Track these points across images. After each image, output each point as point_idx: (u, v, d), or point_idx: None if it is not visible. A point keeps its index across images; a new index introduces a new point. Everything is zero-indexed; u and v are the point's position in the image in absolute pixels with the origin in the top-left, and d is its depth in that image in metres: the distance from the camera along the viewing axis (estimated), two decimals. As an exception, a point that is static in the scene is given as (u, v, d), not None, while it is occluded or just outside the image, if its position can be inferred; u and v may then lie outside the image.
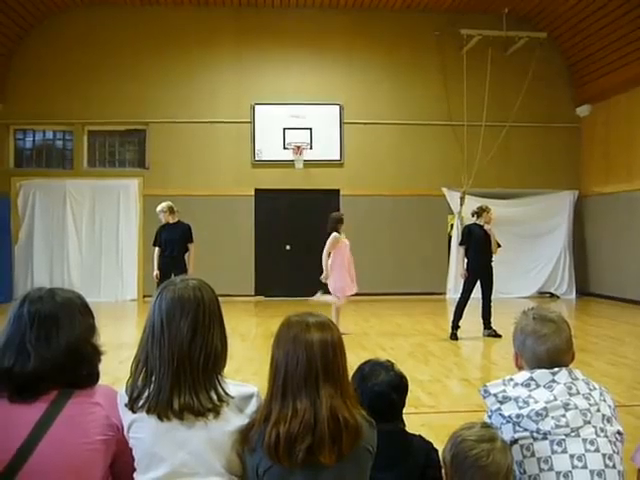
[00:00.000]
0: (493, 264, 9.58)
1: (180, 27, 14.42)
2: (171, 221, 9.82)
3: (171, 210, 9.83)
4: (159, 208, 9.88)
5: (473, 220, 9.79)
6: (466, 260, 9.53)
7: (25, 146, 14.75)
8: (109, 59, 14.21)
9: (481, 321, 9.49)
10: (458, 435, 2.16)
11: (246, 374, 6.09)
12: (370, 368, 2.50)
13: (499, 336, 9.13)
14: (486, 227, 9.60)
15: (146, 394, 2.06)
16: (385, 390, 2.41)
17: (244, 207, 14.38)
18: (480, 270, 9.42)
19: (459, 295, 9.61)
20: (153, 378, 2.07)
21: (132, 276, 14.27)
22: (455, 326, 9.33)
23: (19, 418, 1.91)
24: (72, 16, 14.24)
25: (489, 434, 2.15)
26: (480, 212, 9.73)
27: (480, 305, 9.49)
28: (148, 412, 2.03)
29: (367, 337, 9.36)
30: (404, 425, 2.50)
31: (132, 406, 2.05)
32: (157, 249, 9.79)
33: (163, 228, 9.83)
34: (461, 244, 9.80)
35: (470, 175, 14.19)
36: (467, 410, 5.19)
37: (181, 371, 2.05)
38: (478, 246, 9.44)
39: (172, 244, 9.63)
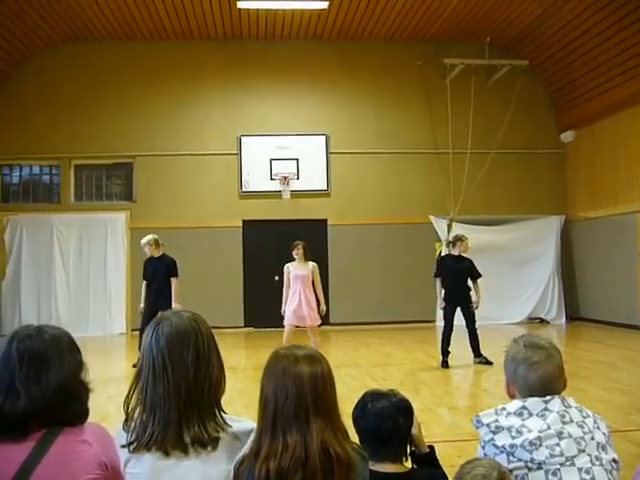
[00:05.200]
0: (472, 293, 9.59)
1: (165, 60, 14.51)
2: (156, 255, 9.79)
3: (157, 243, 9.81)
4: (144, 240, 9.86)
5: (448, 250, 9.89)
6: (443, 290, 9.57)
7: (12, 181, 14.72)
8: (95, 93, 14.27)
9: (471, 350, 9.46)
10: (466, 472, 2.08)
11: (237, 407, 6.01)
12: (372, 395, 2.45)
13: (490, 363, 9.10)
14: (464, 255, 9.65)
15: (149, 432, 2.05)
16: (391, 412, 2.35)
17: (232, 238, 14.37)
18: (456, 299, 9.45)
19: (445, 325, 9.61)
20: (156, 415, 2.06)
21: (120, 310, 14.18)
22: (445, 353, 9.30)
23: (6, 457, 1.88)
24: (57, 51, 14.31)
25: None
26: (455, 242, 9.81)
27: (467, 335, 9.47)
28: (152, 450, 2.02)
29: (357, 367, 9.31)
30: (409, 452, 2.45)
31: (134, 446, 2.04)
32: (145, 282, 9.76)
33: (148, 261, 9.80)
34: (435, 276, 9.82)
35: (457, 202, 14.27)
36: (459, 439, 5.15)
37: (188, 403, 2.06)
38: (452, 276, 9.48)
39: (157, 278, 9.60)
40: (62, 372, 1.99)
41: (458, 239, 9.79)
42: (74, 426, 1.98)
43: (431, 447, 2.53)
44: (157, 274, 9.63)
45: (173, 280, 9.69)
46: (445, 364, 9.22)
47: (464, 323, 9.52)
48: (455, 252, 9.73)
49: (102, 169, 14.69)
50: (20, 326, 2.09)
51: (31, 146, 14.12)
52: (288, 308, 9.41)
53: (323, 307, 9.64)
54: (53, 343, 2.03)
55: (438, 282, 9.70)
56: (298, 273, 9.47)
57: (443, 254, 10.08)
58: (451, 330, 9.35)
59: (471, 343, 9.46)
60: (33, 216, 14.15)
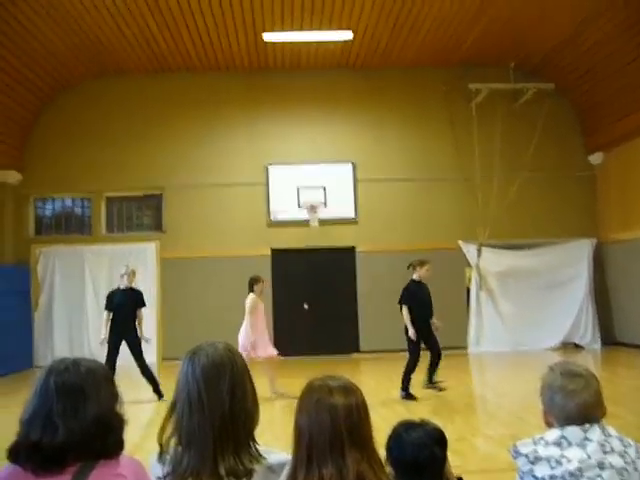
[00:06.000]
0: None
1: (192, 92, 14.72)
2: (129, 285, 9.95)
3: (134, 274, 10.05)
4: (128, 270, 10.06)
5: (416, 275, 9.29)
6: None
7: (45, 214, 14.97)
8: (124, 126, 14.51)
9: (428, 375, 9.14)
10: None
11: (268, 438, 5.97)
12: (406, 425, 2.42)
13: (413, 399, 8.81)
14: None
15: (185, 463, 2.04)
16: (427, 442, 2.31)
17: (261, 267, 14.35)
18: (421, 326, 9.00)
19: (411, 358, 9.09)
20: (192, 447, 2.06)
21: (151, 339, 14.20)
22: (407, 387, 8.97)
23: (42, 492, 1.88)
24: (87, 87, 14.60)
25: None
26: (414, 266, 9.30)
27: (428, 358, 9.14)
28: None
29: (389, 396, 9.19)
30: None
31: (170, 478, 2.04)
32: (108, 313, 9.79)
33: (114, 293, 9.93)
34: (399, 303, 9.15)
35: (486, 227, 14.17)
36: (496, 469, 5.06)
37: (224, 435, 2.05)
38: (414, 302, 9.01)
39: (124, 308, 9.70)
40: (99, 405, 1.99)
41: (419, 263, 9.27)
42: (110, 459, 1.98)
43: (460, 479, 2.49)
44: (125, 305, 9.71)
45: (142, 310, 9.90)
46: (410, 396, 8.89)
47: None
48: (415, 277, 9.24)
49: (132, 201, 14.88)
50: (56, 359, 2.10)
51: (63, 179, 14.37)
52: (263, 341, 9.56)
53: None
54: (89, 376, 2.03)
55: (404, 310, 9.02)
56: (261, 307, 9.70)
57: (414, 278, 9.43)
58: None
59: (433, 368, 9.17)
60: (65, 248, 14.35)
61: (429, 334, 9.08)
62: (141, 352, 9.68)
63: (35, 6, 11.20)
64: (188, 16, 12.07)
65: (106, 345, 9.60)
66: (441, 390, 9.08)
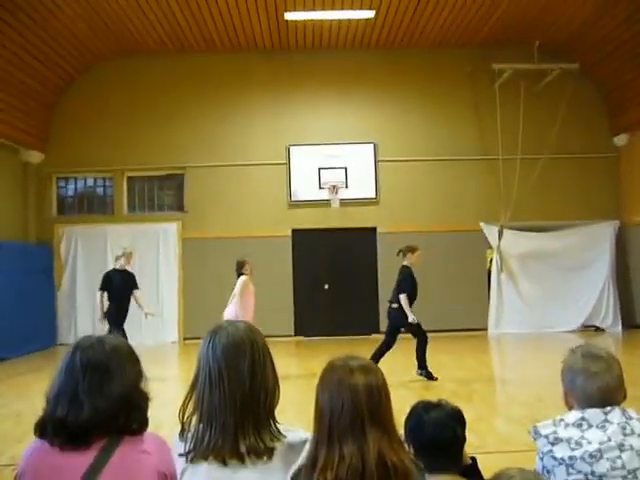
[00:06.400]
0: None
1: (214, 72, 14.71)
2: (126, 266, 10.09)
3: (131, 255, 10.24)
4: (127, 251, 10.25)
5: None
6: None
7: (67, 193, 15.09)
8: (146, 106, 14.55)
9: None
10: None
11: (289, 416, 6.02)
12: (425, 405, 2.43)
13: (433, 379, 8.77)
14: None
15: (206, 441, 2.07)
16: (448, 422, 2.32)
17: (282, 248, 14.44)
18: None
19: (421, 338, 9.04)
20: (213, 425, 2.09)
21: (173, 318, 14.35)
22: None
23: (69, 467, 1.92)
24: (109, 67, 14.64)
25: None
26: (405, 252, 9.20)
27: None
28: (209, 459, 2.04)
29: (409, 376, 9.21)
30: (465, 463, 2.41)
31: (192, 456, 2.07)
32: (102, 293, 9.93)
33: (111, 274, 10.08)
34: (398, 290, 9.05)
35: (508, 209, 14.08)
36: (515, 450, 5.07)
37: (244, 413, 2.08)
38: (412, 289, 8.94)
39: (122, 290, 9.89)
40: (124, 382, 2.02)
41: (409, 250, 9.16)
42: (134, 435, 2.02)
43: (473, 459, 2.49)
44: (121, 287, 9.87)
45: (138, 292, 10.09)
46: (430, 375, 8.84)
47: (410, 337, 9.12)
48: (405, 262, 9.15)
49: (154, 180, 14.95)
50: (82, 337, 2.13)
51: (85, 159, 14.45)
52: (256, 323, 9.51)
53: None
54: (114, 353, 2.06)
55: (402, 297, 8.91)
56: (251, 288, 9.72)
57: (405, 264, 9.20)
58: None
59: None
60: (87, 227, 14.48)
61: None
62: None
63: (58, -14, 11.24)
64: (210, -5, 12.04)
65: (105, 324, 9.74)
66: (432, 379, 8.87)
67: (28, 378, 9.81)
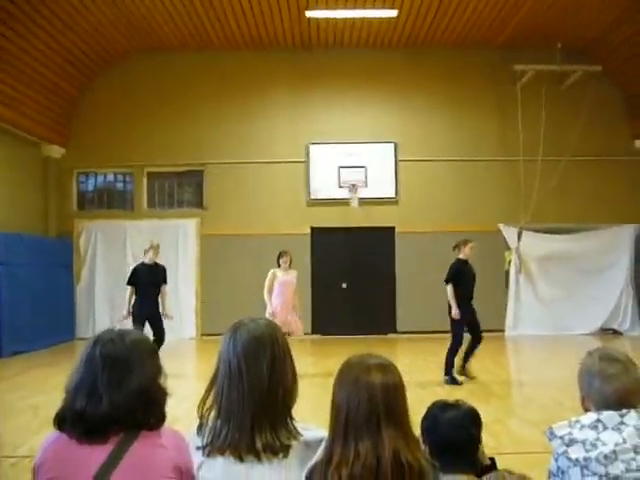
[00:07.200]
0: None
1: (236, 70, 14.76)
2: (155, 260, 9.92)
3: (158, 248, 10.00)
4: (154, 244, 10.05)
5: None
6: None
7: (87, 189, 15.21)
8: (167, 103, 14.62)
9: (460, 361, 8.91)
10: None
11: (305, 414, 6.04)
12: (441, 405, 2.44)
13: (458, 383, 8.65)
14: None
15: (223, 436, 2.09)
16: (463, 422, 2.33)
17: (300, 245, 14.44)
18: (465, 305, 8.83)
19: (453, 340, 8.90)
20: (231, 420, 2.10)
21: (190, 315, 14.42)
22: (451, 369, 8.81)
23: (86, 460, 1.93)
24: (131, 63, 14.73)
25: None
26: (459, 245, 9.15)
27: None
28: (226, 454, 2.06)
29: (426, 376, 9.20)
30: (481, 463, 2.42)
31: (208, 450, 2.09)
32: (132, 288, 9.81)
33: (139, 268, 9.91)
34: (445, 280, 8.98)
35: (528, 210, 14.01)
36: (531, 452, 5.06)
37: (262, 410, 2.09)
38: (460, 280, 8.87)
39: (151, 285, 9.69)
40: (143, 377, 2.03)
41: (463, 242, 9.09)
42: (152, 430, 2.02)
43: (492, 459, 2.50)
44: (149, 281, 9.67)
45: (166, 287, 9.91)
46: (455, 380, 8.70)
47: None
48: (461, 256, 9.08)
49: (174, 177, 15.03)
50: (102, 330, 2.14)
51: (106, 155, 14.56)
52: (278, 308, 9.54)
53: (300, 314, 9.98)
54: (134, 348, 2.07)
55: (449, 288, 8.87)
56: (284, 279, 9.69)
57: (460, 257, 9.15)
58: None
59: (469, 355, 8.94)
60: (107, 222, 14.59)
61: (473, 316, 8.92)
62: (163, 332, 9.62)
63: (82, -18, 11.33)
64: (232, -7, 12.09)
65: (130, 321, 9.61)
66: (471, 378, 8.84)
67: (47, 371, 9.91)
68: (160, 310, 9.72)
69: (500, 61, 14.38)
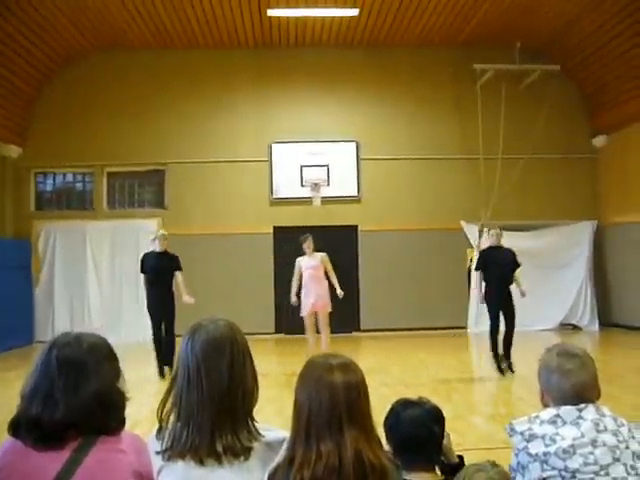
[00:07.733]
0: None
1: (196, 69, 14.66)
2: (164, 249, 9.69)
3: (165, 237, 9.77)
4: (160, 233, 9.91)
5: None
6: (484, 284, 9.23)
7: (45, 189, 14.97)
8: (126, 102, 14.45)
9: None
10: None
11: (268, 414, 6.02)
12: (404, 403, 2.45)
13: (511, 371, 8.82)
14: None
15: (183, 440, 2.06)
16: (424, 420, 2.35)
17: (263, 245, 14.42)
18: (498, 288, 9.12)
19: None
20: (190, 423, 2.07)
21: (195, 300, 14.19)
22: (496, 355, 8.96)
23: (42, 466, 1.89)
24: (91, 62, 14.52)
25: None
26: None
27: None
28: (186, 458, 2.03)
29: (389, 374, 9.25)
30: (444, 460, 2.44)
31: (168, 454, 2.06)
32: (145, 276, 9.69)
33: (148, 256, 9.76)
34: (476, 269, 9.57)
35: (488, 208, 14.15)
36: (493, 447, 5.11)
37: (222, 412, 2.07)
38: (487, 266, 9.25)
39: (162, 272, 9.49)
40: (100, 381, 1.99)
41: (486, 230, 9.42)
42: (111, 435, 1.99)
43: (460, 457, 2.52)
44: (160, 269, 9.49)
45: (180, 275, 9.65)
46: (500, 370, 8.84)
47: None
48: (489, 243, 9.47)
49: (134, 177, 14.86)
50: (59, 334, 2.09)
51: (65, 154, 14.32)
52: (303, 301, 9.74)
53: (340, 291, 9.81)
54: (92, 351, 2.03)
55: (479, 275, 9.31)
56: (308, 264, 9.82)
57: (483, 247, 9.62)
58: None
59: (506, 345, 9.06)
60: (66, 223, 14.35)
61: (507, 301, 9.06)
62: (173, 337, 9.42)
63: (38, -21, 11.13)
64: (192, -9, 12.00)
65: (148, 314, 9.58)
66: (512, 372, 8.86)
67: (3, 376, 9.71)
68: (175, 302, 9.51)
69: (461, 60, 14.51)
